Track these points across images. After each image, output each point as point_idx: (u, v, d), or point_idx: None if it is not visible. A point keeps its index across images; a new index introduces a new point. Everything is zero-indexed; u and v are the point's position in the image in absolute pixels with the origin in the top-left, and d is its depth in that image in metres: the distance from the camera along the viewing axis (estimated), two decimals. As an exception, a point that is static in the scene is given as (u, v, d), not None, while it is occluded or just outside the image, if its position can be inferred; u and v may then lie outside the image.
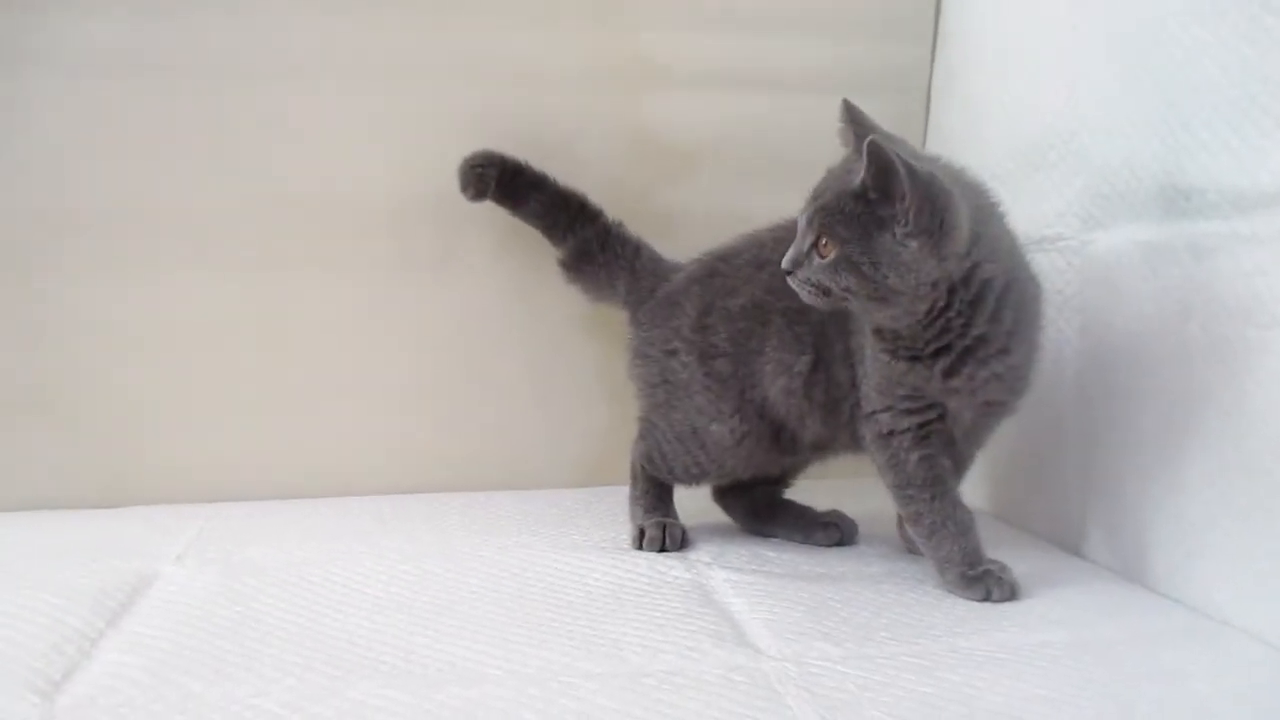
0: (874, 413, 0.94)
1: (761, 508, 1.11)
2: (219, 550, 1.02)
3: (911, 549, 1.01)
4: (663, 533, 1.04)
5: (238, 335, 1.21)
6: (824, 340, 0.99)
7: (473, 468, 1.26)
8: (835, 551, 1.05)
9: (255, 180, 1.20)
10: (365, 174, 1.21)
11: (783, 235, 1.01)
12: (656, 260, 1.13)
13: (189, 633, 0.81)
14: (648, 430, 1.08)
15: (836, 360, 0.98)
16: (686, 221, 1.22)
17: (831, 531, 1.07)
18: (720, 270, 1.06)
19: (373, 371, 1.24)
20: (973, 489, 1.17)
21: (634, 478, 1.10)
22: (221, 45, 1.17)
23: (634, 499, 1.09)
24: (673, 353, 1.05)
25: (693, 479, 1.07)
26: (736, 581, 0.94)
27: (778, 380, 1.00)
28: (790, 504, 1.11)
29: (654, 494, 1.08)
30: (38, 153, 1.15)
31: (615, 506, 1.12)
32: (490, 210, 1.17)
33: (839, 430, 1.00)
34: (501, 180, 1.14)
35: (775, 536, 1.09)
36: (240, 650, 0.78)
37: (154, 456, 1.20)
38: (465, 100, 1.20)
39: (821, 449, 1.05)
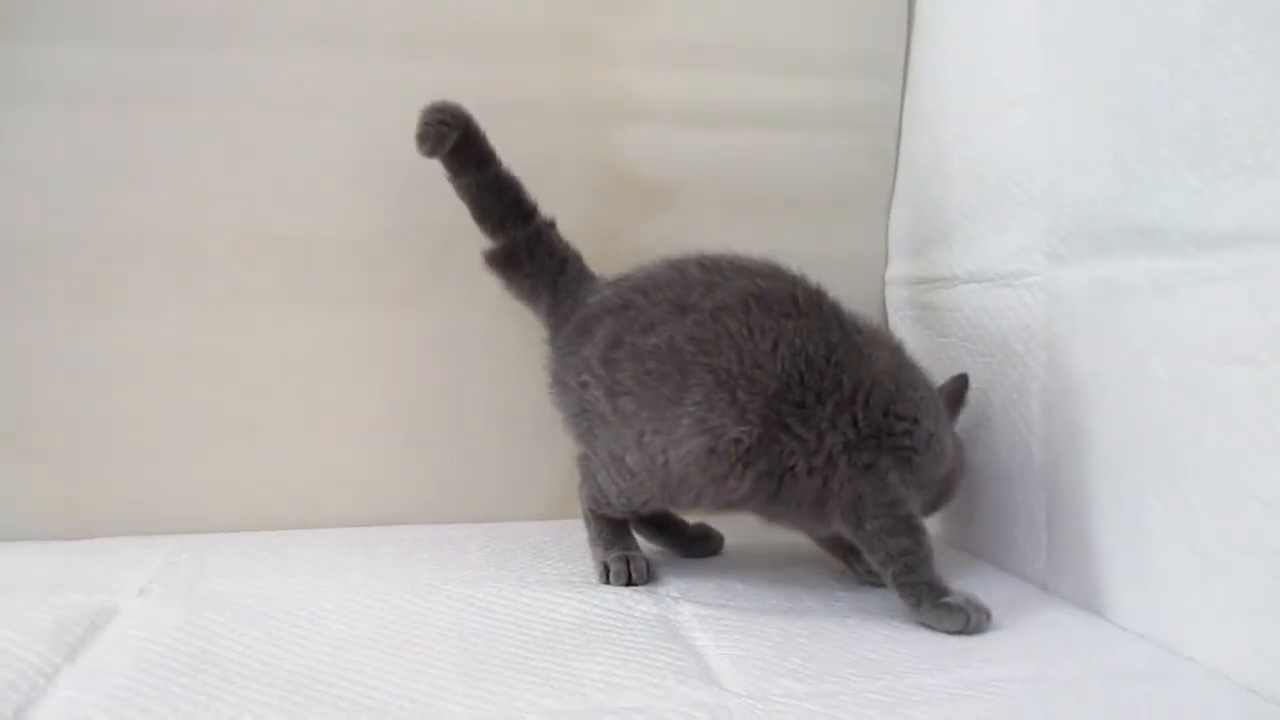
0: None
1: (646, 518, 1.13)
2: (183, 584, 1.01)
3: (865, 580, 1.04)
4: (627, 566, 1.03)
5: (207, 366, 1.20)
6: (784, 429, 0.95)
7: (442, 501, 1.26)
8: (803, 584, 1.05)
9: (227, 211, 1.19)
10: (337, 206, 1.21)
11: (717, 280, 0.98)
12: (579, 279, 1.09)
13: (147, 668, 0.79)
14: (586, 468, 1.07)
15: (806, 464, 0.95)
16: (660, 255, 1.22)
17: (708, 543, 1.16)
18: (636, 303, 1.00)
19: (342, 404, 1.23)
20: (939, 522, 1.18)
21: (586, 521, 1.09)
22: (194, 76, 1.17)
23: (592, 540, 1.08)
24: (585, 385, 1.01)
25: (623, 508, 1.05)
26: (704, 616, 0.94)
27: (696, 438, 0.95)
28: (671, 518, 1.14)
29: (610, 531, 1.07)
30: (5, 182, 1.15)
31: (585, 540, 1.11)
32: (464, 243, 1.17)
33: (776, 507, 1.00)
34: (458, 143, 1.06)
35: (659, 547, 1.14)
36: (199, 686, 0.76)
37: (121, 488, 1.19)
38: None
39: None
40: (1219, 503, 0.81)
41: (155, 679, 0.78)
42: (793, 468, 0.95)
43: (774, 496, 0.97)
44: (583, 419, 1.04)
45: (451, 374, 1.25)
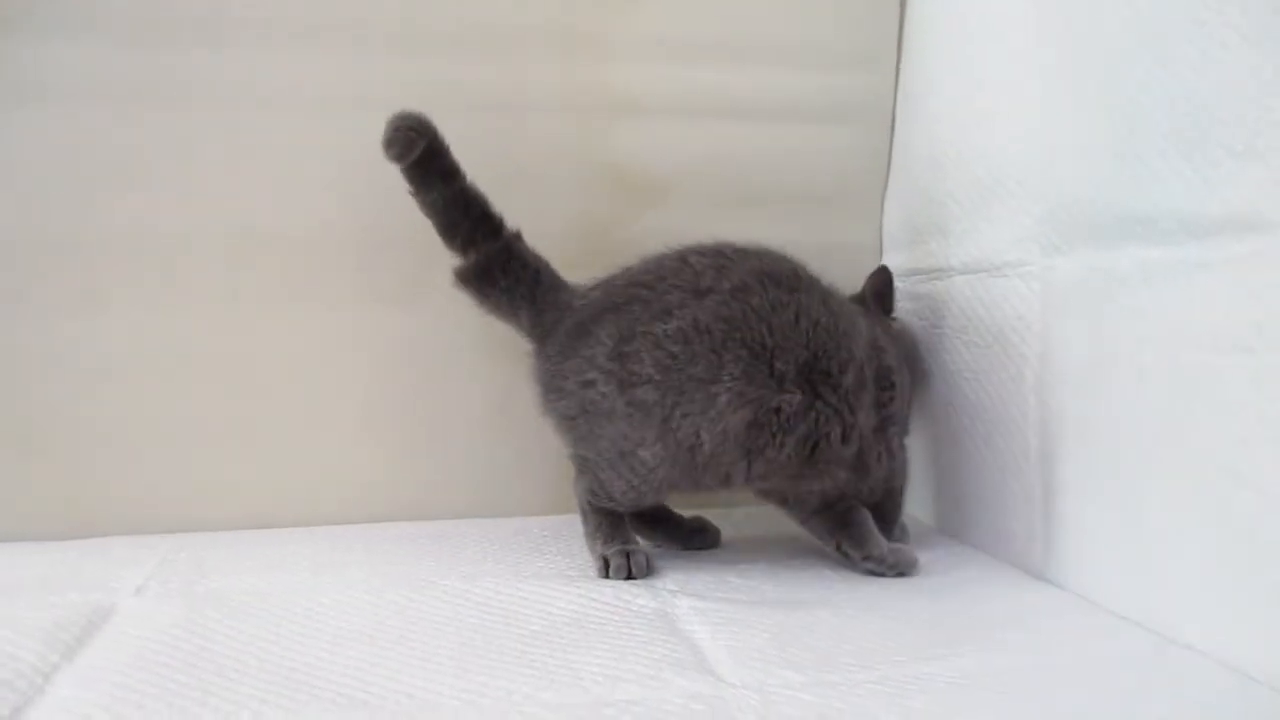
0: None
1: (642, 513, 1.13)
2: (180, 582, 1.01)
3: (860, 569, 1.05)
4: (627, 560, 1.03)
5: (203, 365, 1.20)
6: (818, 396, 1.00)
7: (440, 496, 1.26)
8: (800, 576, 1.05)
9: (222, 211, 1.19)
10: (332, 205, 1.21)
11: (724, 263, 1.01)
12: (556, 287, 1.08)
13: (145, 666, 0.80)
14: (582, 465, 1.07)
15: (841, 432, 1.02)
16: (652, 251, 1.22)
17: (705, 536, 1.16)
18: (641, 296, 1.01)
19: (339, 401, 1.23)
20: (936, 512, 1.19)
21: (584, 515, 1.09)
22: (194, 76, 1.17)
23: (589, 535, 1.08)
24: (590, 384, 1.01)
25: (631, 503, 1.06)
26: (702, 609, 0.94)
27: (736, 413, 0.98)
28: (669, 513, 1.16)
29: (609, 525, 1.07)
30: (5, 182, 1.15)
31: (583, 535, 1.12)
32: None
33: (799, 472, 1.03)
34: (423, 155, 1.04)
35: (656, 542, 1.15)
36: (197, 683, 0.77)
37: (117, 487, 1.19)
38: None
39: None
40: (1213, 492, 0.81)
41: (153, 677, 0.78)
42: (827, 435, 1.00)
43: (809, 460, 1.01)
44: (583, 421, 1.03)
45: (448, 370, 1.25)
